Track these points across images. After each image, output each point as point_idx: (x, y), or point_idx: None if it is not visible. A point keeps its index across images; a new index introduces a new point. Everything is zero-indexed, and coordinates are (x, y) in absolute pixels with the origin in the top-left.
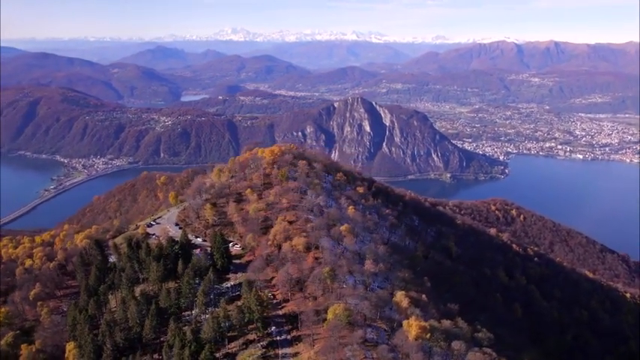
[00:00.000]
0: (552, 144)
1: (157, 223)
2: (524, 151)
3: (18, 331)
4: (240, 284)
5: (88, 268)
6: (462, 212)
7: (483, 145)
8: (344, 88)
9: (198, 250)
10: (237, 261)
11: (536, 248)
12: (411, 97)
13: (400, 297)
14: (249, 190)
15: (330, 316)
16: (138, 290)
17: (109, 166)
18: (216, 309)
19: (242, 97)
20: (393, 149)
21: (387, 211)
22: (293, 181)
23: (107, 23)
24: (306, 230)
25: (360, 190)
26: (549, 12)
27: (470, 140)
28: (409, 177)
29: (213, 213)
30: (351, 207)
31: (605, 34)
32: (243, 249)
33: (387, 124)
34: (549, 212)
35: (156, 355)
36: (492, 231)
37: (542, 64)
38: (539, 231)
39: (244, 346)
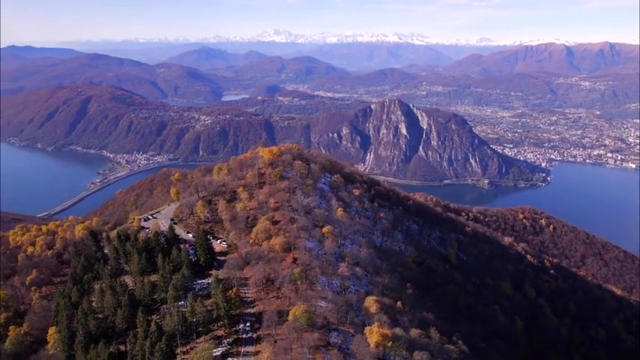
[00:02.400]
0: (601, 151)
1: (154, 218)
2: (569, 159)
3: (11, 313)
4: (226, 279)
5: (81, 258)
6: (487, 219)
7: (525, 151)
8: (383, 90)
9: (186, 245)
10: (222, 258)
11: (556, 260)
12: (452, 100)
13: (370, 302)
14: (241, 188)
15: (291, 317)
16: (120, 281)
17: (151, 162)
18: (185, 303)
19: (280, 98)
20: (430, 153)
21: (382, 214)
22: (285, 181)
23: (156, 25)
24: (287, 230)
25: (356, 192)
26: (603, 12)
27: (511, 146)
28: (445, 182)
29: (204, 210)
30: (339, 209)
31: None
32: (229, 246)
33: (424, 127)
34: (590, 223)
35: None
36: (506, 240)
37: (595, 66)
38: (570, 242)
39: (211, 342)
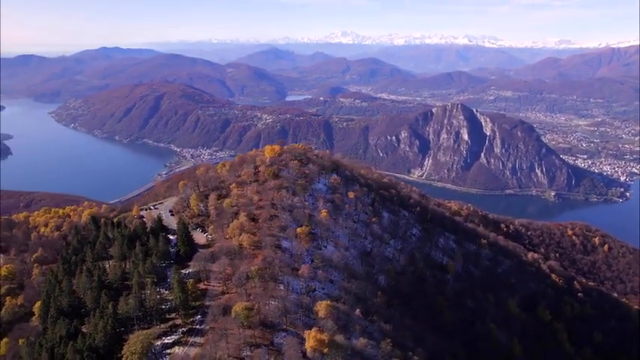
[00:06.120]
0: None
1: (156, 208)
2: None
3: (15, 285)
4: (195, 272)
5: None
6: (529, 233)
7: (601, 162)
8: (448, 93)
9: (175, 237)
10: (204, 250)
11: (591, 283)
12: (521, 106)
13: (321, 306)
14: (233, 184)
15: (233, 313)
16: (100, 264)
17: (213, 157)
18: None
19: (342, 99)
20: (492, 160)
21: (374, 218)
22: (277, 180)
23: (229, 26)
24: (261, 228)
25: (352, 194)
26: None
27: (584, 157)
28: (507, 191)
29: (197, 204)
30: (323, 210)
31: None
32: (212, 240)
33: (488, 134)
34: None
35: None
36: (530, 255)
37: None
38: (629, 265)
39: (169, 329)
